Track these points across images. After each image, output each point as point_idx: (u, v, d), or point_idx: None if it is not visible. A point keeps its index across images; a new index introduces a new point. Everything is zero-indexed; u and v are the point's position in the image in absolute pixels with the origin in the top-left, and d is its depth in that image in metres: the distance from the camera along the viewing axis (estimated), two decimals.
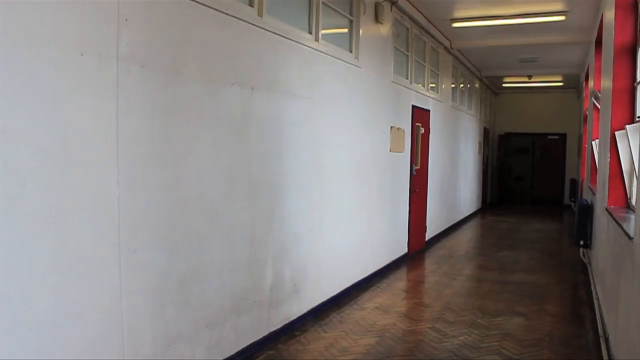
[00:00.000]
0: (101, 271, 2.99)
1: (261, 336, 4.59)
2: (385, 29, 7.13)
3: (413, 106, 8.45)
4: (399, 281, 7.16)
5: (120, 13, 3.03)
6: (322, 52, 5.45)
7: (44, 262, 2.64)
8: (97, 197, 2.94)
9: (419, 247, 9.16)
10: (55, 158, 2.68)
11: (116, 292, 3.09)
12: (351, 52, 6.27)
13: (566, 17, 8.30)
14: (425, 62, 9.27)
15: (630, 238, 3.45)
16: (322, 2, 5.44)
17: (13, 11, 2.44)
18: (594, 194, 7.25)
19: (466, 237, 11.16)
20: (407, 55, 8.31)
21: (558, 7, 8.04)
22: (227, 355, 4.13)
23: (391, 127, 7.47)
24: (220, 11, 3.86)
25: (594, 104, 8.30)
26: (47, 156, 2.64)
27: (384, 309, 5.81)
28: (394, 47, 7.55)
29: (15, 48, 2.46)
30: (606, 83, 5.87)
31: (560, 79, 15.34)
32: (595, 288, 6.27)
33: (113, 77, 3.01)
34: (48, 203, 2.65)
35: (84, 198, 2.86)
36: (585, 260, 8.16)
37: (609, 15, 5.71)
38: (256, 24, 4.30)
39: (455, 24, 9.08)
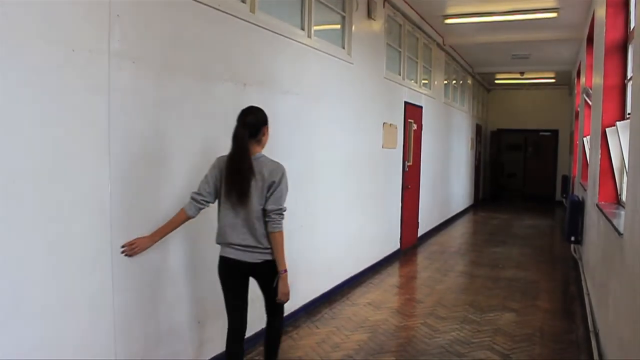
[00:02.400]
0: (93, 268, 2.98)
1: (253, 332, 4.56)
2: (377, 25, 7.13)
3: (405, 102, 8.46)
4: (391, 277, 7.19)
5: (112, 9, 3.01)
6: (315, 49, 5.45)
7: (35, 259, 2.63)
8: (88, 193, 2.93)
9: (411, 243, 9.19)
10: (46, 154, 2.67)
11: (108, 288, 3.08)
12: (344, 48, 6.27)
13: (558, 14, 8.34)
14: (417, 59, 9.28)
15: (619, 234, 3.47)
16: None
17: (2, 6, 2.43)
18: (585, 190, 7.29)
19: (458, 233, 11.20)
20: (400, 52, 8.32)
21: (550, 3, 8.08)
22: (219, 351, 4.12)
23: (383, 124, 7.48)
24: (212, 7, 3.85)
25: (585, 100, 8.34)
26: (38, 152, 2.63)
27: (376, 305, 5.83)
28: (387, 43, 7.56)
29: (4, 44, 2.45)
30: (597, 80, 5.90)
31: (552, 75, 15.39)
32: (585, 284, 6.31)
33: (105, 73, 2.99)
34: (39, 200, 2.64)
35: (76, 194, 2.85)
36: (576, 256, 8.21)
37: (600, 12, 5.74)
38: (248, 20, 4.30)
39: (448, 21, 9.10)
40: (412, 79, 9.07)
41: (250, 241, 3.26)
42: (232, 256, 3.32)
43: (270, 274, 3.32)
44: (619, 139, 4.13)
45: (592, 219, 5.90)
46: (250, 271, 3.36)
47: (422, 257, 8.58)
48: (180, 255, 3.67)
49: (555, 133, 17.58)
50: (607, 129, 5.00)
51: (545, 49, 11.53)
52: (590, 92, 7.12)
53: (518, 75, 15.21)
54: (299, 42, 5.13)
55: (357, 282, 6.69)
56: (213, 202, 3.38)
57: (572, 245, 8.58)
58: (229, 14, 4.03)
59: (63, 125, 2.76)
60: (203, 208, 3.36)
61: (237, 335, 3.48)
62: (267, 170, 3.26)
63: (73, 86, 2.81)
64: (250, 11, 4.35)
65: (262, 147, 3.41)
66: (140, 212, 3.31)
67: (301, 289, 5.37)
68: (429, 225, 10.48)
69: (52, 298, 2.74)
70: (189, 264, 3.76)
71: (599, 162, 5.22)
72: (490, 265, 7.96)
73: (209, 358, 4.02)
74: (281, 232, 3.27)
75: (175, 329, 3.65)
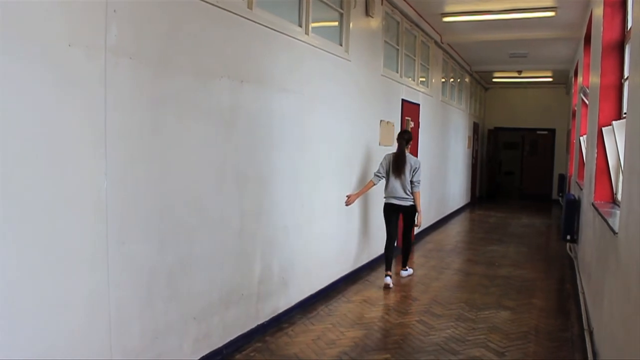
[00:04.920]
0: (89, 264, 2.98)
1: (249, 329, 4.60)
2: (375, 22, 7.13)
3: (403, 100, 8.46)
4: None
5: (109, 4, 3.01)
6: (312, 46, 5.44)
7: (31, 255, 2.63)
8: (84, 189, 2.93)
9: None
10: (42, 151, 2.67)
11: (104, 284, 3.09)
12: (341, 45, 6.26)
13: (556, 13, 8.34)
14: (415, 56, 9.28)
15: (614, 233, 3.49)
16: None
17: None
18: (581, 189, 7.31)
19: (455, 231, 11.22)
20: (398, 49, 8.32)
21: (548, 2, 8.07)
22: (215, 347, 4.15)
23: (380, 121, 7.49)
24: (209, 3, 3.84)
25: (582, 99, 8.36)
26: (33, 149, 2.62)
27: (371, 302, 5.84)
28: (384, 40, 7.56)
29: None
30: (594, 79, 5.91)
31: (549, 74, 15.41)
32: (581, 282, 6.34)
33: (101, 69, 2.99)
34: (35, 196, 2.63)
35: (72, 190, 2.85)
36: (572, 255, 8.24)
37: (598, 12, 5.75)
38: (246, 16, 4.29)
39: (446, 18, 9.09)
40: (410, 77, 9.07)
41: (403, 195, 6.56)
42: (393, 202, 6.62)
43: (410, 212, 6.65)
44: (615, 138, 4.14)
45: (587, 218, 5.91)
46: (401, 210, 6.66)
47: (418, 254, 8.59)
48: (176, 252, 3.67)
49: (552, 132, 17.61)
50: (603, 128, 5.01)
51: (543, 48, 11.54)
52: (588, 91, 7.13)
53: (516, 74, 15.21)
54: (296, 39, 5.12)
55: (353, 279, 6.71)
56: (385, 177, 6.65)
57: (567, 244, 8.61)
58: (226, 10, 4.03)
59: (58, 121, 2.75)
60: (381, 180, 6.65)
61: (389, 243, 6.73)
62: (412, 161, 6.57)
63: (69, 81, 2.81)
64: (248, 7, 4.34)
65: (408, 150, 6.67)
66: (136, 208, 3.31)
67: (297, 285, 5.39)
68: (426, 223, 10.47)
69: (48, 294, 2.73)
70: (185, 261, 3.76)
71: (595, 161, 5.23)
72: (486, 264, 7.98)
73: (205, 354, 4.03)
74: (419, 192, 6.60)
75: (171, 324, 3.65)
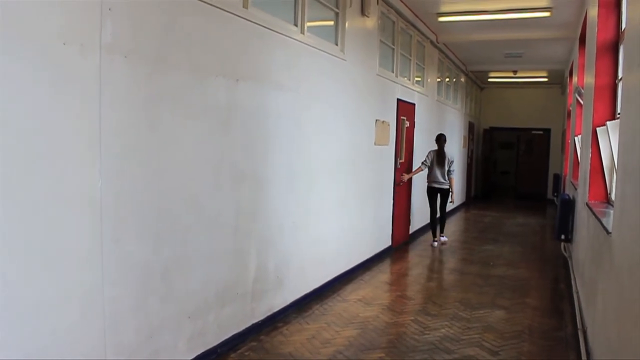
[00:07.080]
0: (83, 261, 2.98)
1: (244, 327, 4.60)
2: (371, 22, 7.13)
3: (398, 100, 8.47)
4: (382, 274, 7.21)
5: (104, 2, 3.00)
6: (308, 45, 5.44)
7: (24, 253, 2.62)
8: (79, 187, 2.92)
9: (403, 239, 9.21)
10: (36, 149, 2.66)
11: (98, 282, 3.08)
12: (337, 45, 6.26)
13: (551, 13, 8.37)
14: (411, 56, 9.29)
15: (608, 233, 3.50)
16: None
17: None
18: (576, 189, 7.33)
19: (450, 230, 11.20)
20: (393, 49, 8.33)
21: (543, 3, 8.10)
22: (210, 346, 4.15)
23: (376, 121, 7.49)
24: (205, 2, 3.83)
25: (577, 99, 8.38)
26: (28, 147, 2.61)
27: (366, 302, 5.85)
28: (380, 40, 7.56)
29: None
30: (589, 79, 5.93)
31: (545, 74, 15.44)
32: (575, 282, 6.36)
33: (96, 67, 2.98)
34: (29, 194, 2.63)
35: (66, 188, 2.84)
36: (566, 255, 8.27)
37: (593, 12, 5.76)
38: (241, 15, 4.29)
39: (442, 18, 9.10)
40: (405, 76, 9.08)
41: (441, 180, 9.01)
42: (434, 186, 9.08)
43: (444, 193, 9.11)
44: (609, 138, 4.16)
45: (582, 218, 5.93)
46: (440, 192, 9.09)
47: (414, 254, 8.61)
48: (171, 250, 3.67)
49: (547, 132, 17.66)
50: (597, 129, 5.02)
51: (538, 48, 11.58)
52: (582, 91, 7.15)
53: (511, 74, 15.23)
54: (292, 38, 5.12)
55: (348, 279, 6.71)
56: (429, 166, 9.03)
57: (562, 244, 8.63)
58: (221, 9, 4.02)
59: (53, 119, 2.75)
60: (427, 168, 9.06)
61: (434, 216, 9.27)
62: (449, 156, 9.01)
63: (64, 80, 2.80)
64: (244, 6, 4.33)
65: (445, 147, 9.04)
66: (132, 207, 3.31)
67: (292, 284, 5.39)
68: (421, 222, 10.49)
69: (43, 292, 2.73)
70: (180, 259, 3.76)
71: (590, 161, 5.25)
72: (481, 263, 8.00)
73: (200, 352, 4.03)
74: (454, 178, 9.17)
75: (165, 323, 3.65)
